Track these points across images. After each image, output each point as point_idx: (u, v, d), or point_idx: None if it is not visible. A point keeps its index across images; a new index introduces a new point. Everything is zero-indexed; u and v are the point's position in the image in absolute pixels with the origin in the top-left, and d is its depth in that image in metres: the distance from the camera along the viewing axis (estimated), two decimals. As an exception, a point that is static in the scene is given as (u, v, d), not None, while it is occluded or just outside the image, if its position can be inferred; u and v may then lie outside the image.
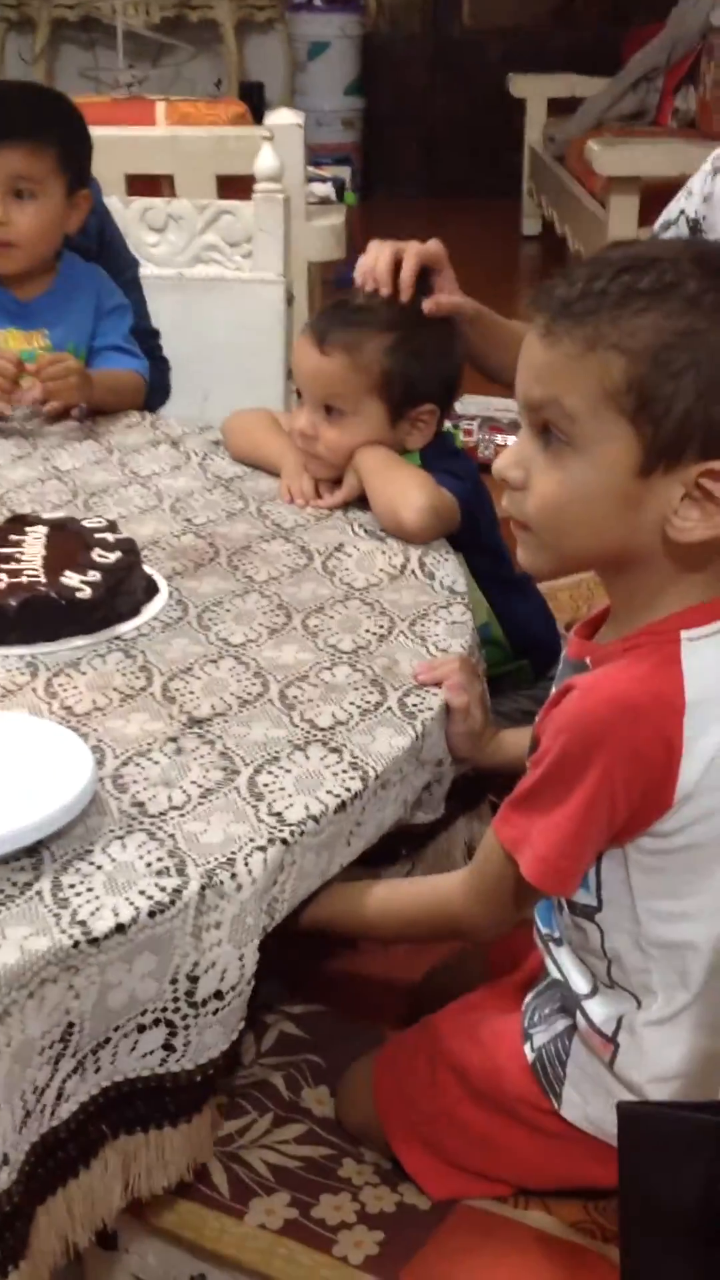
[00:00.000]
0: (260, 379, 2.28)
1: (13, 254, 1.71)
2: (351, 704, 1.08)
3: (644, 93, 5.19)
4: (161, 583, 1.27)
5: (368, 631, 1.20)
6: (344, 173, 3.25)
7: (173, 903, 0.84)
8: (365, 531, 1.40)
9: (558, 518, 0.88)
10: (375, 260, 1.44)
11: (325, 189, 3.00)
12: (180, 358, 2.07)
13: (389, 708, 1.08)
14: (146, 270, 2.09)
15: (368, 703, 1.08)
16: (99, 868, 0.86)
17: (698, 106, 5.15)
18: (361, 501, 1.43)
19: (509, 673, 1.56)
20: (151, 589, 1.26)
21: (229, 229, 2.20)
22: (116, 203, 2.14)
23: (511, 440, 3.52)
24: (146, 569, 1.27)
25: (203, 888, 0.85)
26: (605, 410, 0.84)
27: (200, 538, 1.39)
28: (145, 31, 5.73)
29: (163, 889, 0.84)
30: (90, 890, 0.84)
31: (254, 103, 4.54)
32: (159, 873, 0.86)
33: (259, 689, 1.09)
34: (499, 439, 3.31)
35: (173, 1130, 0.87)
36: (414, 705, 1.08)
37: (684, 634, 0.87)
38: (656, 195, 4.06)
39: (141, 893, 0.84)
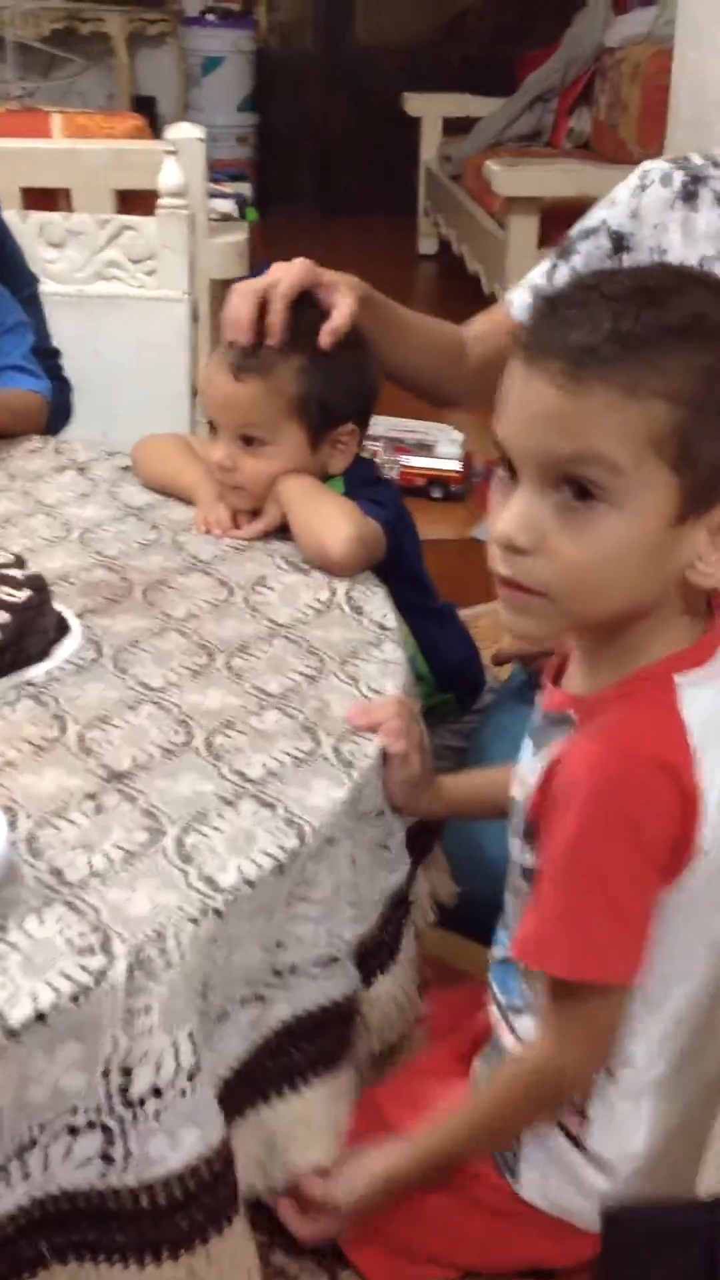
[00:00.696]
0: (165, 398, 2.20)
1: None
2: (283, 752, 1.01)
3: (539, 113, 5.21)
4: (73, 621, 1.19)
5: (296, 672, 1.13)
6: (244, 189, 3.18)
7: (98, 984, 0.76)
8: (288, 564, 1.33)
9: (588, 582, 0.81)
10: (238, 311, 1.34)
11: (227, 205, 2.93)
12: (82, 378, 1.98)
13: (323, 756, 1.01)
14: (45, 287, 2.00)
15: (300, 751, 1.01)
16: (14, 946, 0.78)
17: (592, 127, 5.18)
18: (283, 532, 1.37)
19: (434, 706, 1.50)
20: (62, 628, 1.17)
21: (131, 245, 2.13)
22: (13, 217, 2.05)
23: (415, 461, 3.42)
24: (56, 606, 1.19)
25: (130, 967, 0.78)
26: (650, 459, 0.78)
27: (113, 571, 1.31)
28: (35, 43, 5.61)
29: (86, 969, 0.77)
30: (4, 973, 0.76)
31: (148, 116, 4.46)
32: (81, 950, 0.78)
33: (183, 738, 1.02)
34: (404, 460, 3.27)
35: (134, 1271, 0.78)
36: (350, 753, 1.02)
37: (676, 678, 0.82)
38: (555, 216, 4.08)
39: (63, 974, 0.76)
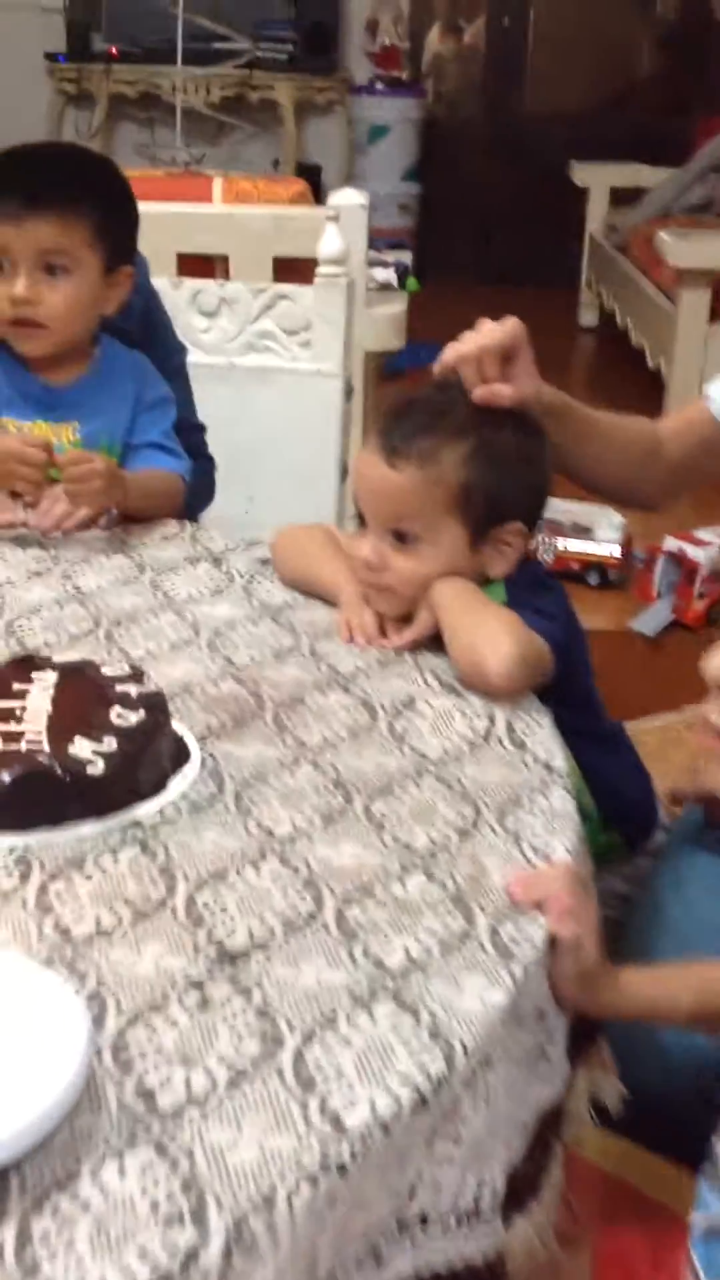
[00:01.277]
0: (312, 478, 2.07)
1: (41, 335, 1.51)
2: (429, 933, 0.84)
3: (713, 183, 5.02)
4: (193, 745, 1.04)
5: (446, 823, 0.96)
6: (405, 257, 3.06)
7: (184, 1270, 0.59)
8: (440, 683, 1.16)
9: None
10: (459, 354, 1.26)
11: (387, 275, 2.81)
12: (227, 453, 1.85)
13: (478, 940, 0.83)
14: (194, 358, 1.88)
15: (450, 932, 0.84)
16: (85, 1207, 0.62)
17: (767, 199, 4.98)
18: (435, 643, 1.20)
19: (599, 848, 1.31)
20: (181, 754, 1.02)
21: (286, 315, 2.00)
22: (165, 284, 1.95)
23: (572, 544, 3.22)
24: (175, 726, 1.04)
25: (228, 1245, 0.61)
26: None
27: (241, 684, 1.16)
28: (204, 109, 5.63)
29: (173, 1249, 0.60)
30: (70, 1246, 0.60)
31: (312, 184, 4.40)
32: (169, 1220, 0.61)
33: (310, 906, 0.85)
34: (560, 543, 3.09)
35: None
36: (509, 938, 0.84)
37: None
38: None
39: (142, 1253, 0.60)
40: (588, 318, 5.42)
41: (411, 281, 2.86)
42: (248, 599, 1.34)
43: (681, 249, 3.62)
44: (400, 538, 1.22)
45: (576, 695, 1.26)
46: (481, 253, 6.34)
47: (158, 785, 0.98)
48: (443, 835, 0.95)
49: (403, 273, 2.82)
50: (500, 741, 1.08)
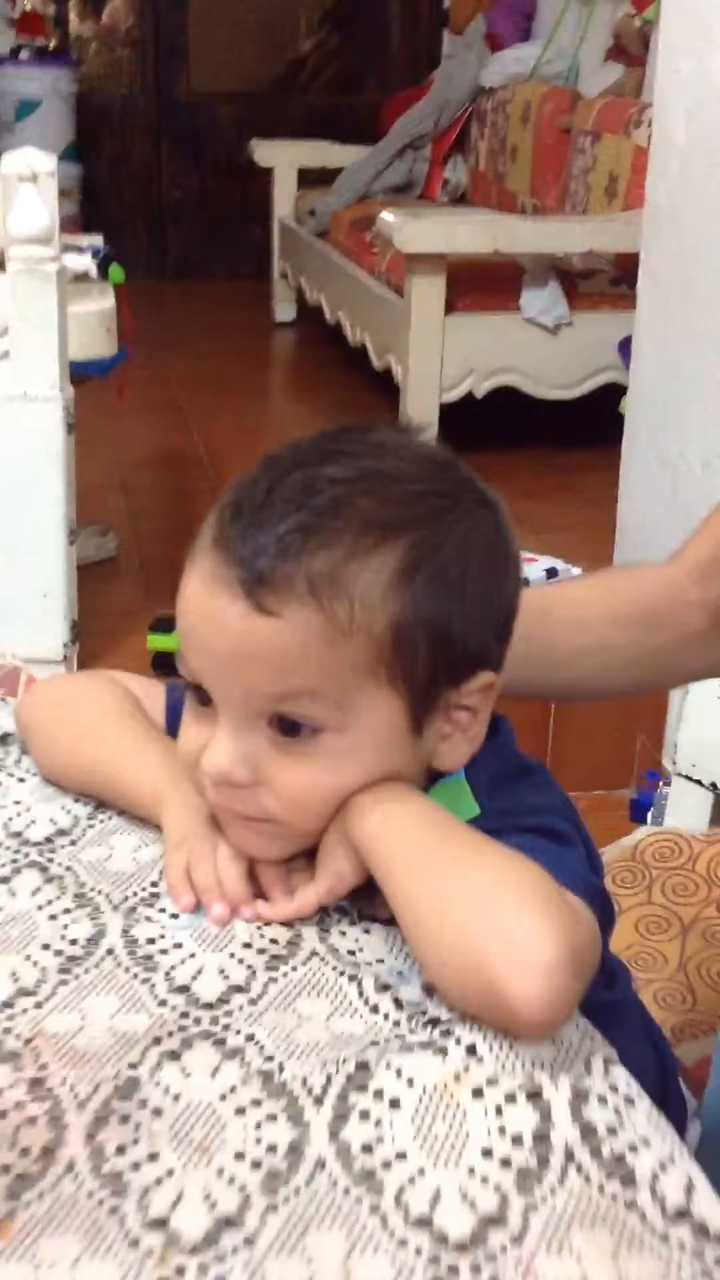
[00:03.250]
0: (31, 548, 1.46)
1: None
2: None
3: (410, 161, 4.62)
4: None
5: None
6: (97, 241, 2.45)
7: None
8: (401, 1010, 0.61)
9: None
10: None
11: (83, 262, 2.20)
12: None
13: None
14: None
15: None
16: None
17: (470, 178, 4.62)
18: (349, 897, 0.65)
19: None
20: None
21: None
22: None
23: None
24: None
25: None
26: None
27: (8, 1060, 0.57)
28: None
29: None
30: None
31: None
32: None
33: None
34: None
35: None
36: None
37: None
38: (462, 277, 3.47)
39: None
40: (284, 311, 4.91)
41: (115, 270, 2.26)
42: (-14, 831, 0.74)
43: (411, 232, 3.15)
44: (286, 728, 0.65)
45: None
46: (157, 243, 5.75)
47: None
48: None
49: (105, 259, 2.22)
50: (575, 1161, 0.54)
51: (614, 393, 3.09)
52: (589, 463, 3.18)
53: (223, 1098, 0.56)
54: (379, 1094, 0.56)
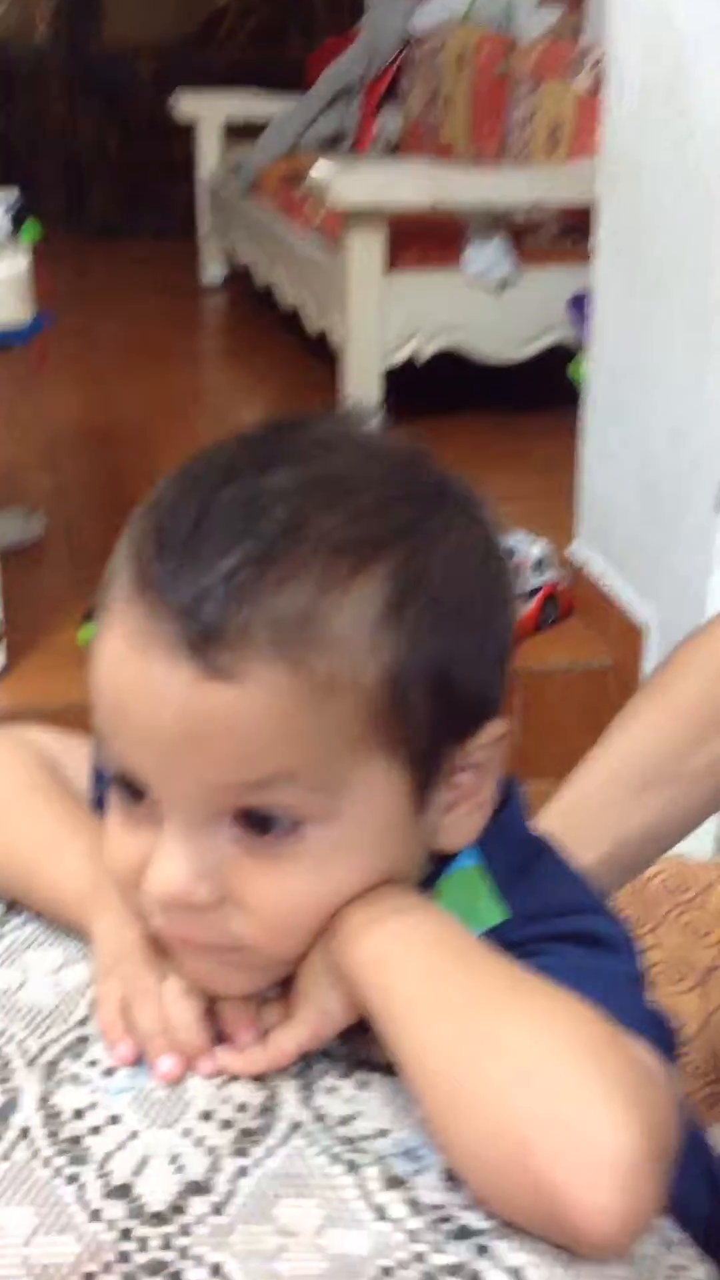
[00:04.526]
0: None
1: None
2: None
3: (341, 113, 4.41)
4: None
5: None
6: (11, 195, 2.25)
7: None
8: (421, 1221, 0.45)
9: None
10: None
11: (-7, 221, 2.00)
12: None
13: None
14: None
15: None
16: None
17: (404, 129, 4.43)
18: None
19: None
20: None
21: None
22: None
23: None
24: None
25: None
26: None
27: None
28: None
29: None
30: None
31: None
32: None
33: None
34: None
35: None
36: None
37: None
38: (403, 232, 3.29)
39: None
40: (212, 272, 4.70)
41: (31, 227, 2.07)
42: None
43: (347, 184, 2.96)
44: (256, 825, 0.49)
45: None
46: (74, 201, 5.50)
47: None
48: None
49: (19, 215, 2.02)
50: None
51: (562, 355, 2.94)
52: (539, 428, 3.04)
53: None
54: None
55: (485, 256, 3.15)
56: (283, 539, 0.48)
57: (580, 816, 0.77)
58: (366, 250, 3.07)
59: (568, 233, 3.17)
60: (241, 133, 4.61)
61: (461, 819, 0.54)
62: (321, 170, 3.06)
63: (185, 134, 4.76)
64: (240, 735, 0.47)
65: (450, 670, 0.50)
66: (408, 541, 0.50)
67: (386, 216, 3.05)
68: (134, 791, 0.50)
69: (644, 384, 2.01)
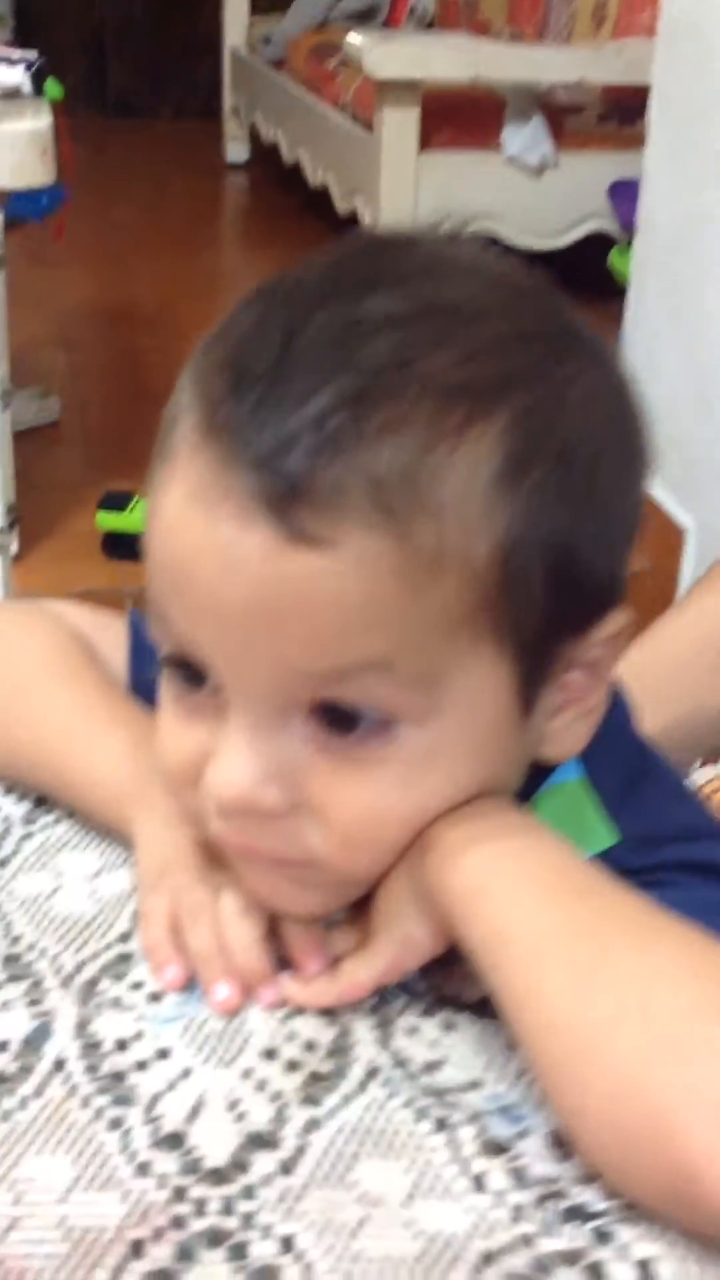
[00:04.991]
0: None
1: None
2: None
3: (375, -15, 4.21)
4: None
5: None
6: (30, 55, 2.12)
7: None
8: (527, 1196, 0.39)
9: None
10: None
11: (14, 76, 1.88)
12: None
13: None
14: None
15: None
16: None
17: (439, 4, 4.23)
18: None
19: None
20: None
21: None
22: None
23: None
24: None
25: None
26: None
27: None
28: None
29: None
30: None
31: None
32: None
33: None
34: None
35: None
36: None
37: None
38: (435, 110, 3.14)
39: None
40: (236, 152, 4.52)
41: (52, 85, 1.94)
42: None
43: (382, 57, 2.81)
44: (338, 722, 0.42)
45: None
46: (94, 75, 5.29)
47: None
48: None
49: (39, 73, 1.90)
50: None
51: (600, 244, 2.82)
52: (577, 320, 2.92)
53: None
54: None
55: (524, 137, 3.01)
56: (385, 377, 0.39)
57: (654, 678, 0.68)
58: (400, 127, 2.93)
59: (610, 116, 3.02)
60: (270, 3, 4.41)
61: (569, 726, 0.46)
62: (356, 40, 2.91)
63: (213, 3, 4.57)
64: (326, 613, 0.39)
65: (575, 547, 0.42)
66: (533, 388, 0.42)
67: (422, 92, 2.91)
68: (193, 675, 0.43)
69: (695, 280, 1.90)
